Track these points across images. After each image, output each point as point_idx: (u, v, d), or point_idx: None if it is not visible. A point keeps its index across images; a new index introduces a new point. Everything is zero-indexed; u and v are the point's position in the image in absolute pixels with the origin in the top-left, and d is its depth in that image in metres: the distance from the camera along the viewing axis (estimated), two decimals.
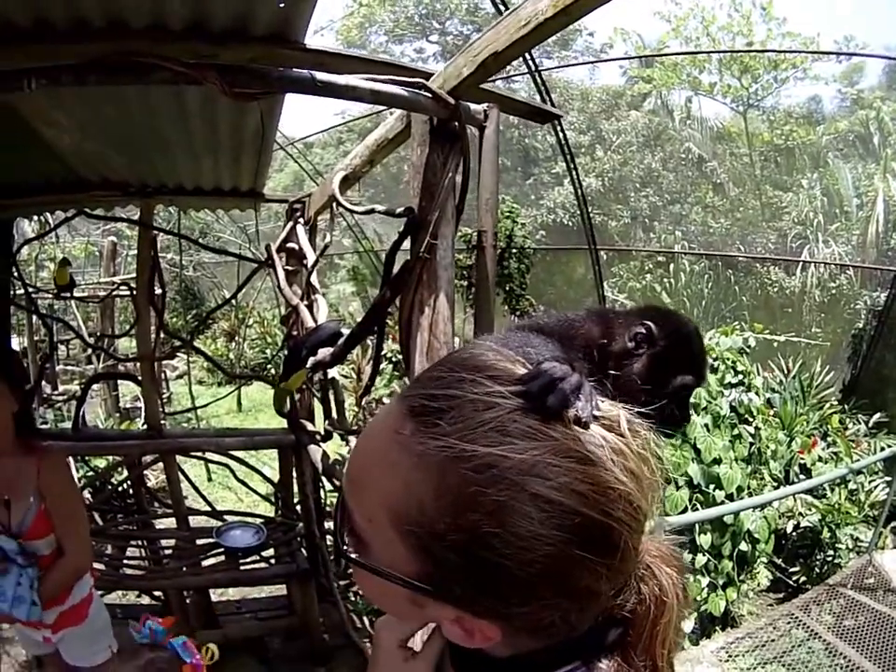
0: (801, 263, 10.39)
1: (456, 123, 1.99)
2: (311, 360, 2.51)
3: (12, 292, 3.53)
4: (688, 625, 3.90)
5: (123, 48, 1.52)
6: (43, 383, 7.12)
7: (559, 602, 0.51)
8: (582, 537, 0.49)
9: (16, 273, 3.50)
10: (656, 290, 10.81)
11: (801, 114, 13.22)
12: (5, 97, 1.60)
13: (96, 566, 3.15)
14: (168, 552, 3.64)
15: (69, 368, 9.44)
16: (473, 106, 2.10)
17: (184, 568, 3.40)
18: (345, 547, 0.58)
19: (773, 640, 3.79)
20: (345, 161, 2.98)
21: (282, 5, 1.54)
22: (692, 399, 1.16)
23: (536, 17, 1.46)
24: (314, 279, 3.46)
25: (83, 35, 1.52)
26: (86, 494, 4.13)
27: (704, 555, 3.89)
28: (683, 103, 13.79)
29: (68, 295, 4.15)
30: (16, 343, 6.90)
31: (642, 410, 0.56)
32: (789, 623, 3.94)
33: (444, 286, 2.12)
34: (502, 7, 5.33)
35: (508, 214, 8.14)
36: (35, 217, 5.29)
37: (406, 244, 2.17)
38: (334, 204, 3.18)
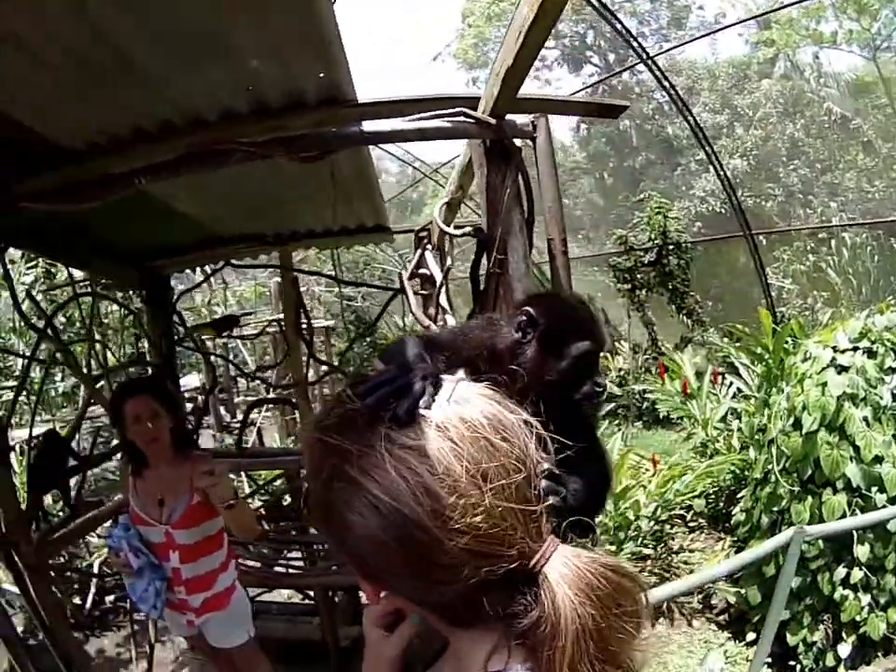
0: None
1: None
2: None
3: (176, 336, 4.21)
4: (844, 650, 3.45)
5: (204, 138, 1.85)
6: (223, 411, 8.37)
7: (402, 571, 0.64)
8: (389, 518, 0.61)
9: (177, 320, 4.18)
10: (822, 270, 9.55)
11: None
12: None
13: (253, 564, 3.64)
14: (322, 554, 4.03)
15: (249, 398, 10.79)
16: (520, 120, 2.17)
17: (333, 567, 3.71)
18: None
19: None
20: (447, 188, 3.23)
21: (321, 75, 1.76)
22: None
23: (524, 26, 1.53)
24: (443, 300, 3.63)
25: (170, 134, 1.91)
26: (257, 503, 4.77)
27: (861, 570, 3.42)
28: (811, 60, 12.27)
29: (227, 334, 4.84)
30: (196, 379, 8.13)
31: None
32: None
33: (520, 296, 2.21)
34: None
35: (658, 209, 7.88)
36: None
37: None
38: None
